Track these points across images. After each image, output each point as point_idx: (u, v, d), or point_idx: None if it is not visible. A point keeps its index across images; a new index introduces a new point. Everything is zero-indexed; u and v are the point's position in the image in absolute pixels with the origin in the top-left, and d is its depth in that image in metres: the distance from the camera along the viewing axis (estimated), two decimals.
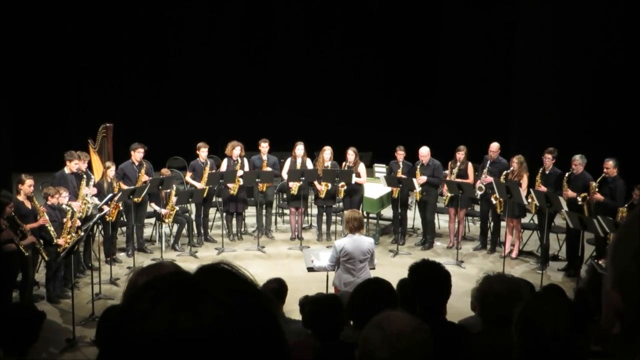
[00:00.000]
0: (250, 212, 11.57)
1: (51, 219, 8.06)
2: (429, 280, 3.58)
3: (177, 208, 10.23)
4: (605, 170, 9.09)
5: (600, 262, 8.13)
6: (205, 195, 10.51)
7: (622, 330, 1.00)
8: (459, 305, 4.58)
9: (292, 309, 5.54)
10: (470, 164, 10.59)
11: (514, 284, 3.33)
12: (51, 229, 8.01)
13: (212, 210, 11.34)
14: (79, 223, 8.36)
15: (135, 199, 9.65)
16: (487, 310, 3.25)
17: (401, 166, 10.74)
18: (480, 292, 3.30)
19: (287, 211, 11.82)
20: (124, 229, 10.33)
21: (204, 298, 0.91)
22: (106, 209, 9.03)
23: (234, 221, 11.15)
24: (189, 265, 1.01)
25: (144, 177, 10.10)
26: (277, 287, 5.23)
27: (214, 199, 11.13)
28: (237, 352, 0.89)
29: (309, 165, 10.97)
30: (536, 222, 10.36)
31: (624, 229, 1.06)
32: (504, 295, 3.15)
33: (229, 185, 10.60)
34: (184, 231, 10.62)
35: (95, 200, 9.21)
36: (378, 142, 13.63)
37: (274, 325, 0.96)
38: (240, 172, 10.61)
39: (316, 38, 16.13)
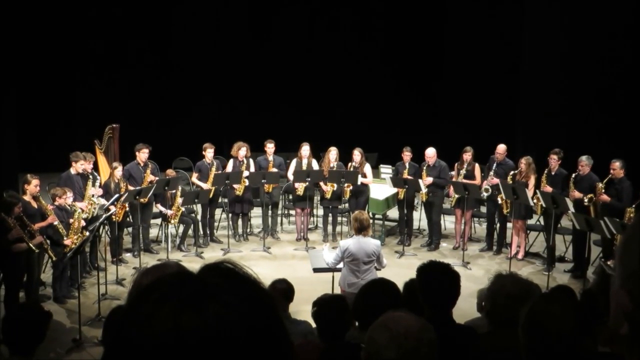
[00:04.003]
0: (256, 212, 11.58)
1: (58, 219, 8.09)
2: (438, 281, 3.56)
3: (183, 209, 10.25)
4: (611, 171, 9.06)
5: (609, 262, 8.10)
6: (211, 196, 10.53)
7: (630, 330, 1.00)
8: (465, 307, 4.57)
9: (298, 310, 5.54)
10: (477, 165, 10.57)
11: (526, 285, 3.29)
12: (61, 227, 8.04)
13: (218, 211, 11.35)
14: (83, 223, 8.38)
15: (142, 200, 9.67)
16: (496, 311, 3.22)
17: (407, 167, 10.73)
18: (491, 291, 3.27)
19: (292, 212, 11.84)
20: (130, 229, 10.35)
21: (208, 298, 0.91)
22: (112, 209, 9.05)
23: (240, 222, 11.16)
24: (195, 265, 1.01)
25: (150, 178, 10.12)
26: (285, 288, 5.23)
27: (219, 200, 11.15)
28: (241, 352, 0.89)
29: (315, 166, 10.97)
30: (542, 223, 10.33)
31: (632, 229, 1.06)
32: (515, 296, 3.11)
33: (235, 186, 10.61)
34: (190, 232, 10.64)
35: (102, 200, 9.24)
36: (384, 143, 13.62)
37: (278, 324, 0.96)
38: (246, 173, 10.62)
39: (322, 39, 16.13)
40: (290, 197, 11.85)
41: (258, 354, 0.91)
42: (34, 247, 7.51)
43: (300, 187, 10.77)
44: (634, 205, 8.57)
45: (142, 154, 10.17)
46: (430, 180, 10.43)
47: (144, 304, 0.93)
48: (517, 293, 3.14)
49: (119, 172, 9.75)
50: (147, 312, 0.91)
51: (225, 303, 0.91)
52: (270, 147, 10.99)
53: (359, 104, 16.01)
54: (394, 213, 11.58)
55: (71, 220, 8.28)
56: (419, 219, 11.66)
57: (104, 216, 8.53)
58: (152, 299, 0.93)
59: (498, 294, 3.20)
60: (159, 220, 10.77)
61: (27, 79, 14.31)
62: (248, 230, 11.36)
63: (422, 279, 3.66)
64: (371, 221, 9.49)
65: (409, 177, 10.49)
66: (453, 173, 10.70)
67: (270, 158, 10.98)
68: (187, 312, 0.89)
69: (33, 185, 8.00)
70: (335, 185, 10.67)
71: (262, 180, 10.62)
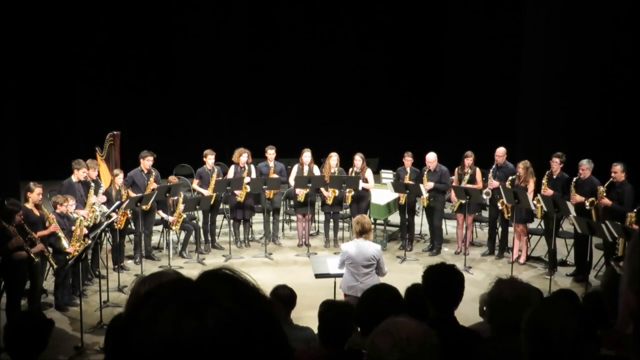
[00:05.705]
0: (258, 218, 11.58)
1: (60, 227, 8.09)
2: (444, 282, 3.56)
3: (184, 215, 10.24)
4: (613, 174, 9.04)
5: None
6: (212, 202, 10.53)
7: (636, 330, 1.00)
8: (467, 311, 4.56)
9: (300, 316, 5.53)
10: (478, 170, 10.57)
11: (524, 290, 3.28)
12: (62, 235, 8.03)
13: (219, 217, 11.35)
14: (85, 231, 8.38)
15: (143, 207, 9.67)
16: (497, 315, 3.22)
17: (408, 172, 10.73)
18: (491, 296, 3.27)
19: (294, 218, 11.83)
20: (132, 236, 10.35)
21: (207, 304, 0.91)
22: (114, 216, 9.05)
23: (241, 228, 11.15)
24: (196, 272, 1.01)
25: (153, 185, 10.12)
26: (287, 294, 5.21)
27: (221, 206, 11.14)
28: (240, 357, 0.89)
29: (316, 171, 10.96)
30: (543, 227, 10.32)
31: None
32: (514, 301, 3.11)
33: (236, 192, 10.60)
34: (192, 238, 10.63)
35: (104, 208, 9.23)
36: (385, 148, 13.63)
37: (277, 330, 0.96)
38: (247, 179, 10.61)
39: (323, 45, 16.14)
40: (292, 203, 11.85)
41: (257, 358, 0.91)
42: (33, 256, 7.51)
43: (301, 192, 10.77)
44: (635, 210, 8.55)
45: (147, 162, 10.18)
46: (431, 185, 10.43)
47: (143, 310, 0.93)
48: (516, 298, 3.13)
49: (119, 179, 9.76)
50: (147, 318, 0.91)
51: (224, 308, 0.91)
52: (271, 153, 10.99)
53: (359, 109, 16.02)
54: (395, 218, 11.57)
55: (73, 228, 8.28)
56: (421, 223, 11.66)
57: (105, 223, 8.53)
58: (152, 305, 0.93)
59: (497, 299, 3.20)
60: (160, 227, 10.76)
61: (28, 87, 14.33)
62: (249, 236, 11.35)
63: (428, 279, 3.66)
64: (373, 226, 9.48)
65: (410, 182, 10.49)
66: (453, 177, 10.69)
67: (271, 164, 10.97)
68: (187, 317, 0.90)
69: (36, 193, 8.00)
70: (336, 190, 10.67)
71: (264, 186, 10.62)
